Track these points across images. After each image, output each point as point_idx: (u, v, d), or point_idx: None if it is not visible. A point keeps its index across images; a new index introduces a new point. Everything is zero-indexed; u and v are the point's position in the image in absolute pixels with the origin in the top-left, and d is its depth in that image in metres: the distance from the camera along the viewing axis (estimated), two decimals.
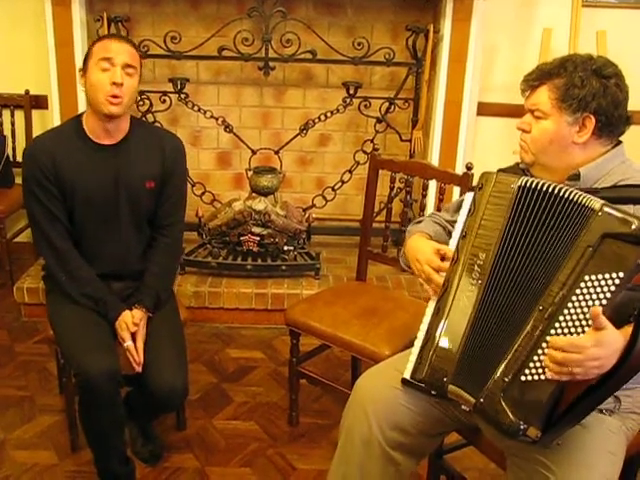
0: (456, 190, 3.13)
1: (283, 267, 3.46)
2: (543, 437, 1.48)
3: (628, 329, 1.40)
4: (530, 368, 1.48)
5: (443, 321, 1.67)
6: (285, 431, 2.64)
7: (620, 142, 1.73)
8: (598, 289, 1.41)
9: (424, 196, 2.73)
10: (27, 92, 3.74)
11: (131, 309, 2.21)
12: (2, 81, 3.79)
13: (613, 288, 1.39)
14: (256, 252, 3.46)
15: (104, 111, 2.11)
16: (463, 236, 1.69)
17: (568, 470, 1.53)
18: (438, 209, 2.54)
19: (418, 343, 1.73)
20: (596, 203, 1.47)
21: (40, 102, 3.78)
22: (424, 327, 1.73)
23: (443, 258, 1.77)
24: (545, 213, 1.55)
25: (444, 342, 1.66)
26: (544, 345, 1.46)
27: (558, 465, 1.53)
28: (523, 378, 1.49)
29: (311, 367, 2.69)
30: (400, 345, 2.23)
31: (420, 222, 2.02)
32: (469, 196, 1.74)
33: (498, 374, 1.54)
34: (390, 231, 2.84)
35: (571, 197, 1.52)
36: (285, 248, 3.48)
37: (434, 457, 2.14)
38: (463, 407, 1.67)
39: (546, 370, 1.44)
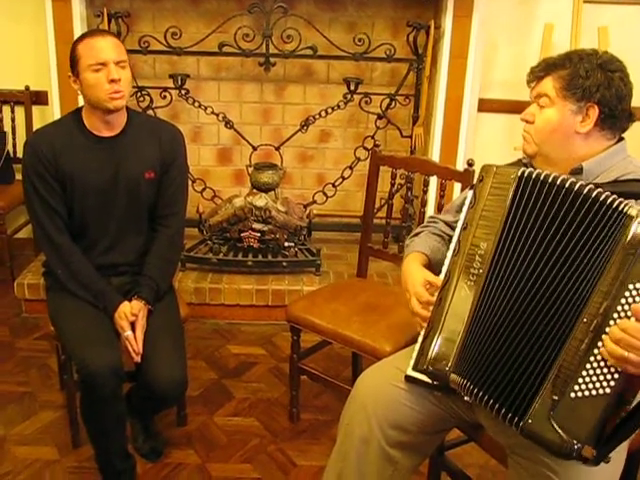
0: (457, 186, 3.13)
1: (284, 263, 3.46)
2: (597, 455, 1.41)
3: None
4: (579, 384, 1.40)
5: (444, 311, 1.66)
6: (286, 427, 2.64)
7: (622, 138, 1.73)
8: None
9: (425, 192, 2.73)
10: (27, 88, 3.74)
11: (130, 300, 2.21)
12: (2, 77, 3.78)
13: None
14: (257, 248, 3.46)
15: (109, 107, 2.13)
16: (464, 228, 1.68)
17: (571, 471, 1.51)
18: (439, 206, 2.54)
19: (421, 336, 1.73)
20: (632, 209, 1.42)
21: (40, 98, 3.77)
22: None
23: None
24: (553, 205, 1.52)
25: (446, 331, 1.65)
26: (592, 359, 1.40)
27: (561, 465, 1.52)
28: (573, 395, 1.41)
29: (312, 363, 2.69)
30: (401, 341, 2.23)
31: (417, 234, 2.01)
32: (471, 191, 1.73)
33: (544, 392, 1.46)
34: (391, 227, 2.83)
35: (603, 199, 1.46)
36: (286, 244, 3.47)
37: (435, 453, 2.13)
38: (465, 398, 1.65)
39: (601, 350, 1.38)
